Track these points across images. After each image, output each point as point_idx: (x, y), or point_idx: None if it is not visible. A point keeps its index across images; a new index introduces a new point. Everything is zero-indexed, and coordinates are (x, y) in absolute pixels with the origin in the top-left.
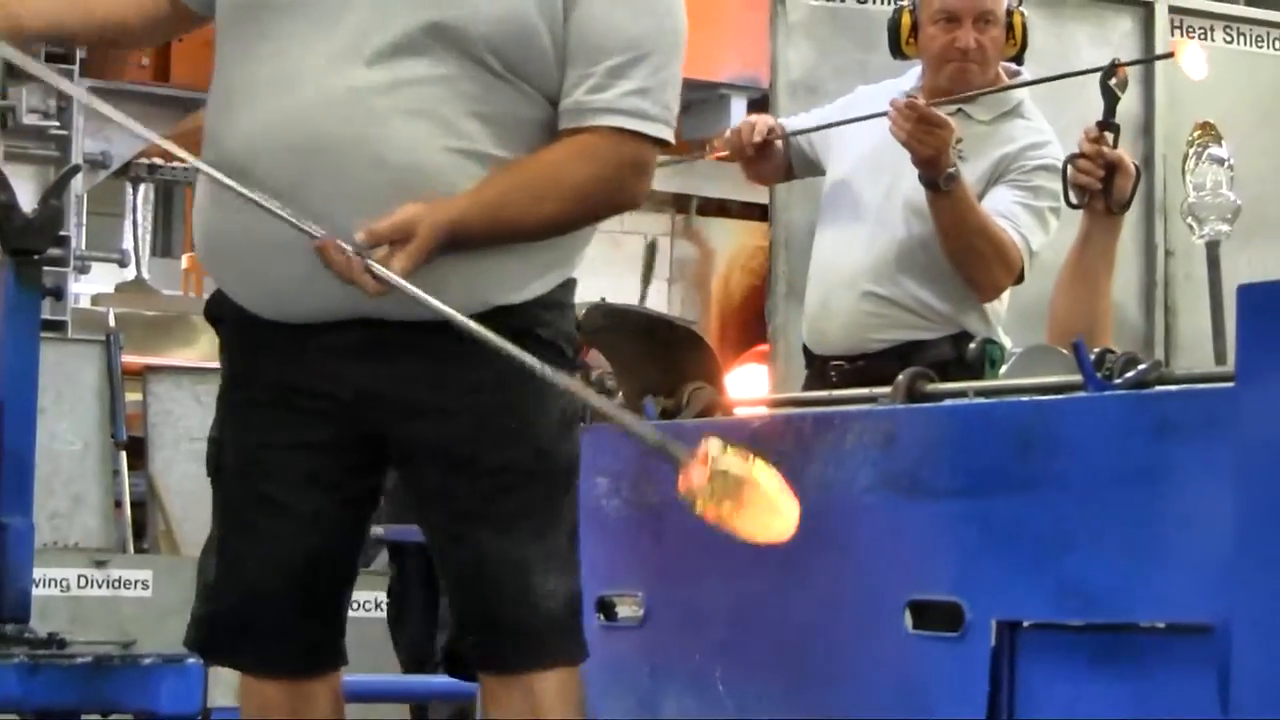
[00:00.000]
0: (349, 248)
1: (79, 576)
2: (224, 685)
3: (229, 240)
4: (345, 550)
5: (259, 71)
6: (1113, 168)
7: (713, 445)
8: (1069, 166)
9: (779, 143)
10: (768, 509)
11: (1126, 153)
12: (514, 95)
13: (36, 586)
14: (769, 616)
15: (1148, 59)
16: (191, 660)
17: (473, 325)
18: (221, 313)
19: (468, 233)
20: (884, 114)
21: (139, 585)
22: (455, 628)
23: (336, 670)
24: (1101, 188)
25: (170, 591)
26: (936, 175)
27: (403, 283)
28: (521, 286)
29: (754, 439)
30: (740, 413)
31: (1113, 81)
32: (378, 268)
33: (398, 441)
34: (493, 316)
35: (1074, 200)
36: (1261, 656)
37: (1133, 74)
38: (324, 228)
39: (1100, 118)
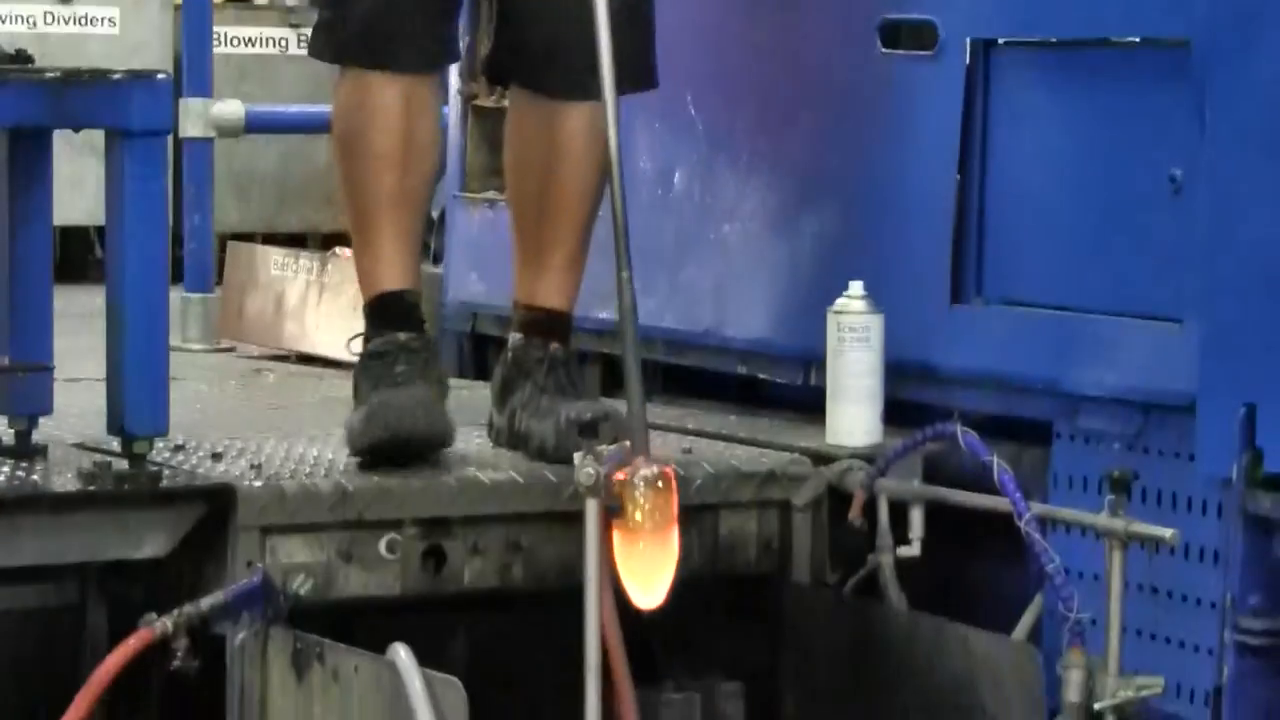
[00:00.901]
0: None
1: (45, 13)
2: (194, 117)
3: None
4: None
5: None
6: None
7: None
8: None
9: None
10: (653, 561)
11: None
12: None
13: (2, 23)
14: (739, 42)
15: None
16: (161, 76)
17: None
18: None
19: None
20: None
21: (106, 22)
22: (495, 36)
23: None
24: None
25: (136, 29)
26: None
27: None
28: None
29: None
30: None
31: None
32: None
33: None
34: None
35: None
36: (1236, 70)
37: None
38: None
39: None
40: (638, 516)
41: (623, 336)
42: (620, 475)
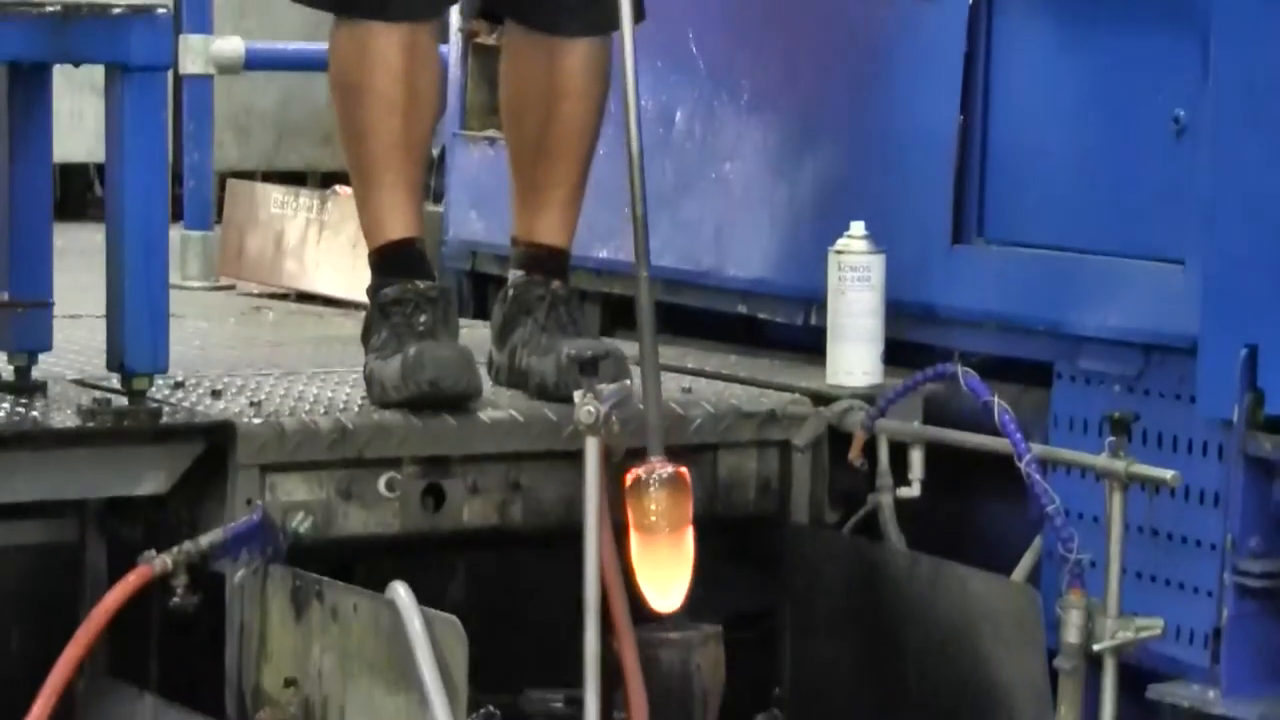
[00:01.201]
0: None
1: None
2: (194, 54)
3: None
4: None
5: None
6: None
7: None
8: None
9: None
10: (670, 563)
11: None
12: None
13: None
14: None
15: None
16: (161, 10)
17: None
18: None
19: None
20: None
21: None
22: None
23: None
24: None
25: None
26: None
27: None
28: None
29: None
30: None
31: None
32: None
33: None
34: None
35: None
36: (1239, 10)
37: None
38: None
39: None
40: (653, 516)
41: (641, 333)
42: (637, 474)
